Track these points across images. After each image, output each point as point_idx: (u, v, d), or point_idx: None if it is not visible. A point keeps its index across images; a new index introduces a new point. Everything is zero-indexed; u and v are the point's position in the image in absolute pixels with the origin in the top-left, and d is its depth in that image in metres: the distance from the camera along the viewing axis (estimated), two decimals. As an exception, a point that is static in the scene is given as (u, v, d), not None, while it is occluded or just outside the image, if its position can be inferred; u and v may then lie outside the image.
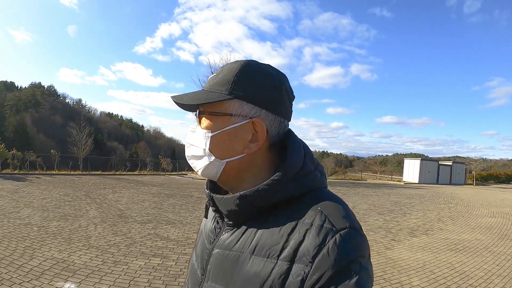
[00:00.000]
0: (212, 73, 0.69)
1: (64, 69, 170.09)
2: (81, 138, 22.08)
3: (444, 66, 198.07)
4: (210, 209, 0.75)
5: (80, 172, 18.56)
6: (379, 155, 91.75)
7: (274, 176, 0.61)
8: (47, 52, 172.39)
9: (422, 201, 12.78)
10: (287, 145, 0.66)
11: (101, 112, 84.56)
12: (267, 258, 0.57)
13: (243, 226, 0.64)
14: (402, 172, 29.86)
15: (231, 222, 0.66)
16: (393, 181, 28.85)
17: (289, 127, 0.71)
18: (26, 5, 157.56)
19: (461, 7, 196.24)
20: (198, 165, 0.67)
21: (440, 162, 28.10)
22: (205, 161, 0.66)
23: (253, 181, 0.65)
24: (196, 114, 0.69)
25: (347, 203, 0.62)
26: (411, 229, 7.23)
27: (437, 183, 25.82)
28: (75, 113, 77.44)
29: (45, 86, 78.64)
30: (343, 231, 0.55)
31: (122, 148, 64.10)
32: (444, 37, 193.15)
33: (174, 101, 0.68)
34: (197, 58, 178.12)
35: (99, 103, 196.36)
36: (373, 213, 9.15)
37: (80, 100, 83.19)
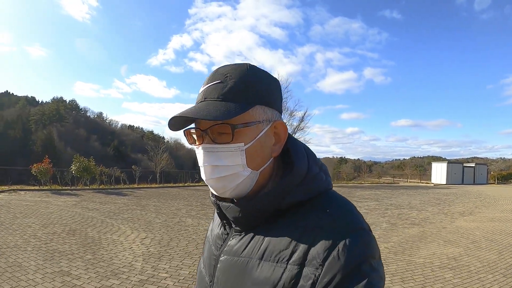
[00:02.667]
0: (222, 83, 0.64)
1: (79, 83, 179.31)
2: (158, 154, 25.46)
3: (457, 65, 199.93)
4: (216, 215, 0.77)
5: (158, 185, 21.62)
6: (396, 159, 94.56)
7: (282, 181, 0.64)
8: (62, 66, 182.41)
9: (457, 197, 16.61)
10: (289, 148, 0.68)
11: (121, 125, 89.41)
12: (277, 263, 0.59)
13: (251, 232, 0.66)
14: (421, 175, 33.74)
15: (238, 228, 0.68)
16: (422, 183, 32.56)
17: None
18: (40, 22, 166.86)
19: (472, 4, 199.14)
20: (230, 185, 0.64)
21: (464, 164, 32.03)
22: (239, 178, 0.64)
23: (271, 185, 0.66)
24: (202, 130, 0.65)
25: (354, 205, 0.65)
26: (460, 212, 11.06)
27: (462, 183, 29.63)
28: (97, 126, 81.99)
29: (67, 101, 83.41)
30: (352, 232, 0.57)
31: (146, 159, 67.96)
32: (456, 35, 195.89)
33: (176, 121, 0.65)
34: (210, 68, 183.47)
35: (115, 116, 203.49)
36: (427, 205, 12.99)
37: (101, 113, 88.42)
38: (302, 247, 0.57)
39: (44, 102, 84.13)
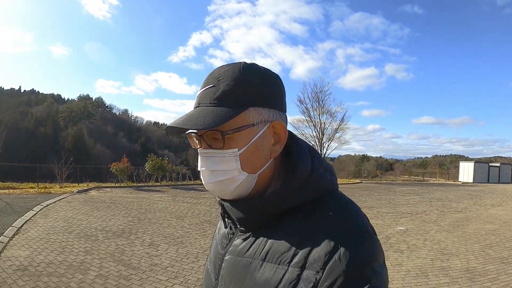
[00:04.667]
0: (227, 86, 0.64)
1: (100, 80, 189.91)
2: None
3: (480, 61, 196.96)
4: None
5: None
6: (418, 157, 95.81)
7: (285, 182, 0.65)
8: (84, 64, 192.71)
9: (486, 193, 19.59)
10: (292, 150, 0.70)
11: (146, 121, 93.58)
12: (278, 264, 0.60)
13: (255, 232, 0.68)
14: (448, 174, 36.74)
15: (243, 229, 0.70)
16: (450, 181, 35.33)
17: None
18: (61, 22, 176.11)
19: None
20: (228, 189, 0.66)
21: (490, 164, 34.79)
22: (236, 182, 0.66)
23: (274, 186, 0.69)
24: (198, 135, 0.67)
25: (359, 206, 0.65)
26: (491, 204, 14.09)
27: (488, 182, 32.46)
28: (124, 123, 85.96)
29: (93, 98, 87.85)
30: (356, 235, 0.58)
31: (172, 155, 71.53)
32: (479, 30, 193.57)
33: (173, 127, 0.66)
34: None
35: (136, 112, 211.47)
36: (462, 199, 16.04)
37: (126, 110, 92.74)
38: (304, 250, 0.59)
39: (70, 99, 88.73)
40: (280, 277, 0.59)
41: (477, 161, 35.38)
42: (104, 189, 15.96)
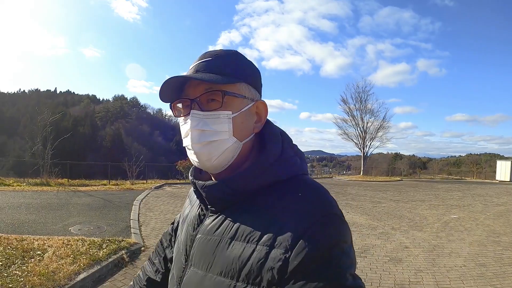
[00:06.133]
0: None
1: (132, 80, 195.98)
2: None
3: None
4: (193, 197, 0.83)
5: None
6: (451, 156, 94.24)
7: (255, 162, 0.70)
8: (115, 65, 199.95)
9: (524, 191, 21.19)
10: (264, 132, 0.76)
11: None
12: (247, 243, 0.63)
13: (225, 212, 0.71)
14: (486, 173, 37.81)
15: (213, 209, 0.74)
16: (487, 180, 36.55)
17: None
18: (93, 25, 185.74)
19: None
20: (216, 152, 0.70)
21: (527, 163, 35.69)
22: (225, 145, 0.70)
23: (246, 164, 0.73)
24: (191, 100, 0.71)
25: (327, 189, 0.69)
26: (530, 200, 15.92)
27: (524, 180, 33.35)
28: (159, 122, 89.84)
29: (128, 98, 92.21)
30: (324, 217, 0.61)
31: (205, 153, 73.98)
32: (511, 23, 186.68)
33: (167, 89, 0.71)
34: (260, 63, 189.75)
35: (170, 111, 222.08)
36: (501, 195, 17.78)
37: (160, 109, 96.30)
38: (272, 229, 0.62)
39: (105, 100, 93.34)
40: (248, 255, 0.62)
41: (514, 160, 36.34)
42: (174, 185, 16.80)
